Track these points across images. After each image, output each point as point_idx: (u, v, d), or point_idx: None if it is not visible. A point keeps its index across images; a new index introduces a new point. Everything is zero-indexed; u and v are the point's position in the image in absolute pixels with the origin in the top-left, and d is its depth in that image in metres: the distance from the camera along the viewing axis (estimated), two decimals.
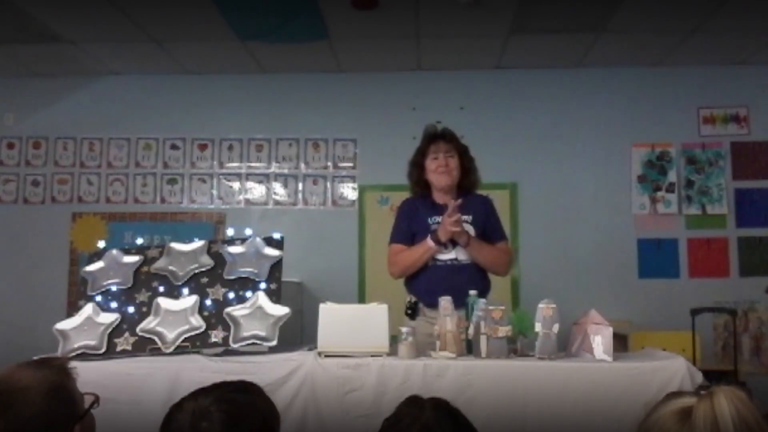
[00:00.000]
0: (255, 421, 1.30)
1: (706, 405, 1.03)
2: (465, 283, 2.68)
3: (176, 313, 2.46)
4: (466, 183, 3.00)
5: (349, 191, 5.11)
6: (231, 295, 2.50)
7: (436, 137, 2.98)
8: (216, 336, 2.41)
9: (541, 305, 2.34)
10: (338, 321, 2.38)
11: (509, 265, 3.07)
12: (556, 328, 2.29)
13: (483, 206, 3.01)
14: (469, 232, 2.86)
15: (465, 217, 2.87)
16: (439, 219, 2.87)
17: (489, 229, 2.98)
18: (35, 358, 1.51)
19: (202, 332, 2.41)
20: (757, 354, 4.25)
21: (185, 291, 2.53)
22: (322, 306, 2.42)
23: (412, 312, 2.88)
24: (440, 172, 2.92)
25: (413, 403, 1.39)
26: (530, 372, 2.24)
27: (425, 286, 2.85)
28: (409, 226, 2.98)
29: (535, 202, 4.94)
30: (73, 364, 1.45)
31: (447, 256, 2.87)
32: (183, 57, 4.87)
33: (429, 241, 2.83)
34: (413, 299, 2.90)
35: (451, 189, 2.95)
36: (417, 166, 3.01)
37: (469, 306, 2.50)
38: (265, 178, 5.15)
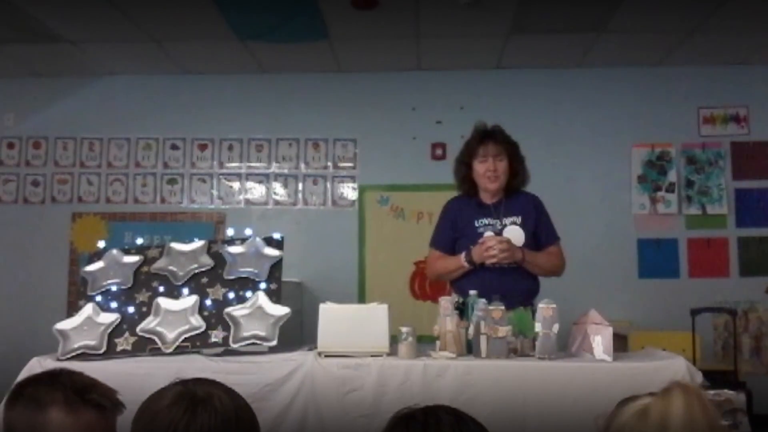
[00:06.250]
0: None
1: (661, 403, 1.05)
2: (512, 285, 2.65)
3: (176, 313, 2.46)
4: (514, 183, 2.86)
5: (349, 191, 5.10)
6: (231, 295, 2.50)
7: (486, 138, 2.84)
8: (216, 336, 2.41)
9: (541, 305, 2.34)
10: (338, 321, 2.38)
11: (563, 267, 2.91)
12: (556, 328, 2.29)
13: (533, 206, 2.88)
14: (521, 246, 2.72)
15: (514, 219, 2.81)
16: (485, 221, 2.81)
17: (540, 231, 2.85)
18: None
19: (202, 332, 2.41)
20: (757, 354, 4.26)
21: (185, 291, 2.53)
22: (322, 306, 2.42)
23: (460, 312, 2.73)
24: (488, 177, 2.80)
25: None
26: (530, 372, 2.24)
27: (472, 288, 2.65)
28: (452, 230, 2.88)
29: None
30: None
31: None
32: (183, 57, 4.87)
33: (463, 261, 2.75)
34: (460, 299, 2.73)
35: (499, 191, 2.86)
36: (464, 165, 2.88)
37: (469, 306, 2.50)
38: (265, 178, 5.14)
